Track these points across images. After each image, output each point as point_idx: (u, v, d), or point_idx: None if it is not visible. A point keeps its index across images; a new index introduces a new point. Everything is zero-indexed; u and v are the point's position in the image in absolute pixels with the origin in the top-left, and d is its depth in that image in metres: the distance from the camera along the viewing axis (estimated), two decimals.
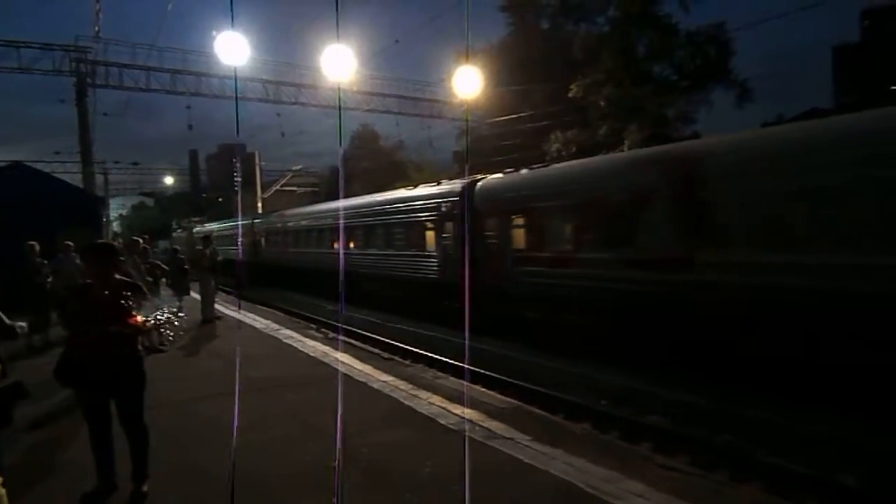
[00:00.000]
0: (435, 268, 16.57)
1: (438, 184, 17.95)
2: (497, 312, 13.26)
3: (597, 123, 29.70)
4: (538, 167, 15.20)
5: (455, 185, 16.55)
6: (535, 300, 13.06)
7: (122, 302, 4.26)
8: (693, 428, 7.54)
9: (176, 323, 11.04)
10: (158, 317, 9.80)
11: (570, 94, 29.53)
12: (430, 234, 17.16)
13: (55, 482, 4.79)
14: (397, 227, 18.92)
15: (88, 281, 4.43)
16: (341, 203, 26.42)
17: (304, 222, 27.36)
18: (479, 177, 16.15)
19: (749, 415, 7.70)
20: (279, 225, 30.72)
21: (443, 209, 16.46)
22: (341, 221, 22.98)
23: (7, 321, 4.04)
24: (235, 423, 5.21)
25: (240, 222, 39.15)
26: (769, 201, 8.95)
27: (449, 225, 16.13)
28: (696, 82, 30.30)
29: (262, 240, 32.48)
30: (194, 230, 46.95)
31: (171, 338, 10.60)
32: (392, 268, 18.90)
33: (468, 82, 18.03)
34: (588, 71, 29.62)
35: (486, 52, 36.19)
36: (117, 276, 4.51)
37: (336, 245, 23.48)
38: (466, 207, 14.94)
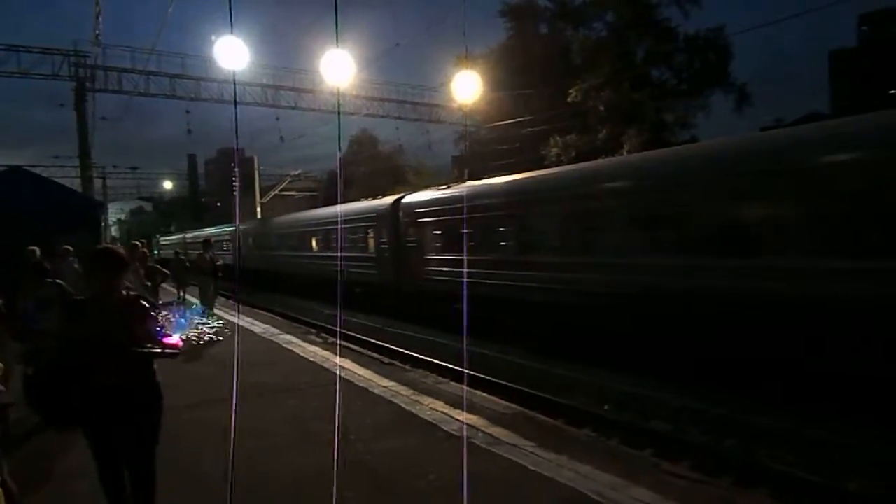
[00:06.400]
0: (228, 257, 34.00)
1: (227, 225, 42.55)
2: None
3: (596, 128, 29.71)
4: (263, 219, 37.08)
5: (233, 225, 40.03)
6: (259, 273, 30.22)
7: (139, 320, 3.61)
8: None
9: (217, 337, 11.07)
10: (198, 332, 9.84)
11: (568, 99, 29.53)
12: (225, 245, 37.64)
13: (54, 497, 4.72)
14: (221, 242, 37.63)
15: (110, 293, 3.70)
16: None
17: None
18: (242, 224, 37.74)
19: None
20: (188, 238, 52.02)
21: (232, 237, 37.35)
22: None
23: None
24: (233, 430, 5.15)
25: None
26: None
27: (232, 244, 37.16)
28: (694, 87, 30.33)
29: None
30: (161, 240, 65.42)
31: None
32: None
33: (467, 87, 18.01)
34: (587, 75, 29.63)
35: (486, 57, 36.21)
36: (131, 292, 3.90)
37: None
38: (238, 238, 36.07)
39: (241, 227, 37.25)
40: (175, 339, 3.66)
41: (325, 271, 23.03)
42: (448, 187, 18.20)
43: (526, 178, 14.78)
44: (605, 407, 8.87)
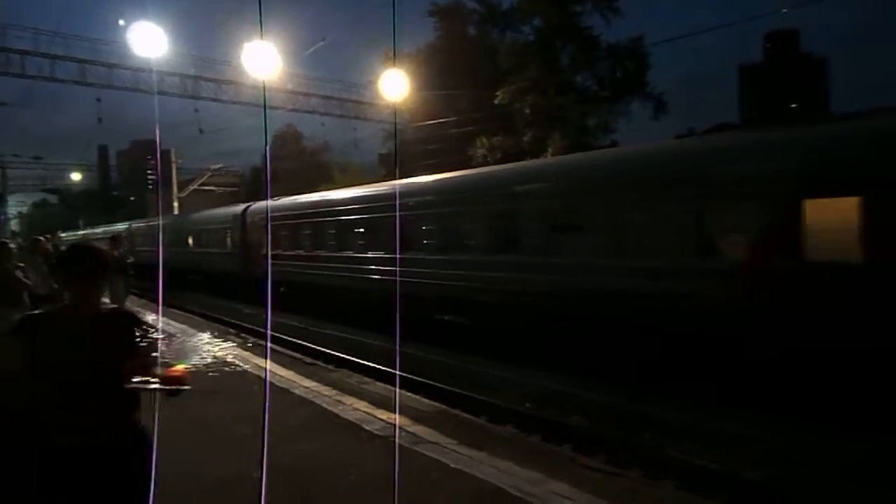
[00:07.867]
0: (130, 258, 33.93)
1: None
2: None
3: (522, 130, 30.27)
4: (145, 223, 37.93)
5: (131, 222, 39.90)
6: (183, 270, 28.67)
7: (130, 345, 2.71)
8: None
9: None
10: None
11: (495, 101, 29.94)
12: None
13: None
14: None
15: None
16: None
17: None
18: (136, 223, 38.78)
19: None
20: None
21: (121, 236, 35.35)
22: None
23: None
24: (154, 434, 4.92)
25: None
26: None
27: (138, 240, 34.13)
28: (615, 94, 31.40)
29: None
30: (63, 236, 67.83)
31: None
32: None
33: (395, 85, 17.97)
34: (513, 78, 30.14)
35: (414, 56, 36.22)
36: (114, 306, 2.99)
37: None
38: (159, 233, 31.31)
39: (133, 225, 38.61)
40: (180, 369, 2.72)
41: (220, 266, 26.10)
42: (279, 199, 23.38)
43: (319, 196, 20.50)
44: (528, 405, 9.07)
